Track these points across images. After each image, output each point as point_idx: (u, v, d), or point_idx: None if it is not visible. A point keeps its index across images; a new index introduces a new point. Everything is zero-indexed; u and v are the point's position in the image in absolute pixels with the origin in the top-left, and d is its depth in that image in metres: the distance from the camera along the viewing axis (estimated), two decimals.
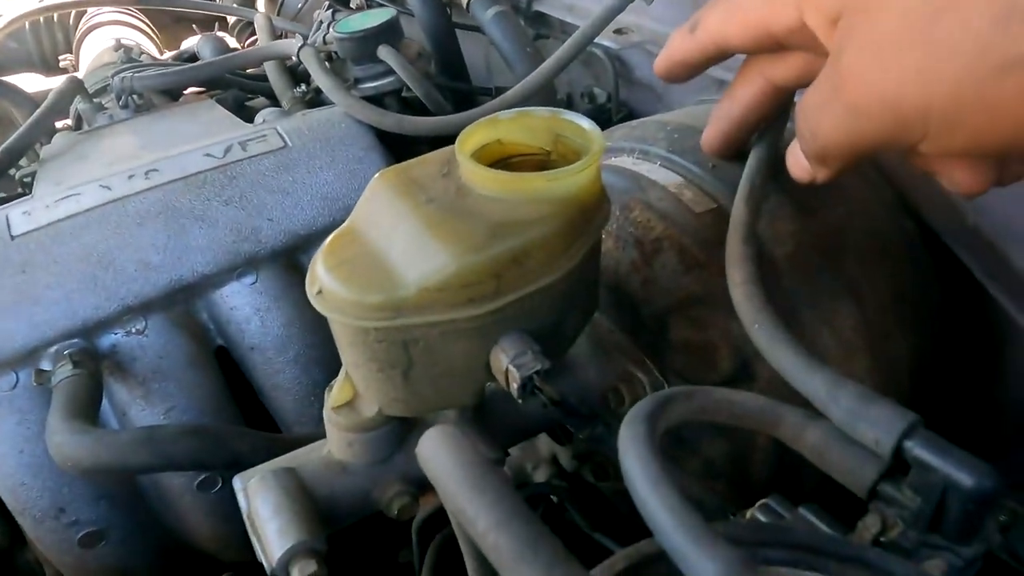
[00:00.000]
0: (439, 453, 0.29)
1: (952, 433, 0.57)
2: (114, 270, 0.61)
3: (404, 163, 0.47)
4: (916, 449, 0.30)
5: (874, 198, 0.53)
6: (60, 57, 1.40)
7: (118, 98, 0.81)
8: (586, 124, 0.46)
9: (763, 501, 0.40)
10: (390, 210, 0.43)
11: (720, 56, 0.43)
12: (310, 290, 0.43)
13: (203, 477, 0.67)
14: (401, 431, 0.48)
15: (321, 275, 0.42)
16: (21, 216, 0.64)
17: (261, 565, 0.45)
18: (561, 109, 0.48)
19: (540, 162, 0.48)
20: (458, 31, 1.01)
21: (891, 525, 0.31)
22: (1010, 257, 0.52)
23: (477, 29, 0.92)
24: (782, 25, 0.36)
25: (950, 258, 0.54)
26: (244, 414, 0.72)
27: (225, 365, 0.70)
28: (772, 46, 0.38)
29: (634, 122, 0.64)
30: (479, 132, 0.47)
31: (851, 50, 0.31)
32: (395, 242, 0.42)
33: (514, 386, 0.42)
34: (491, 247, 0.40)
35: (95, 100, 0.86)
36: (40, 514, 0.62)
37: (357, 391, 0.48)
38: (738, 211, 0.47)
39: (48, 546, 0.63)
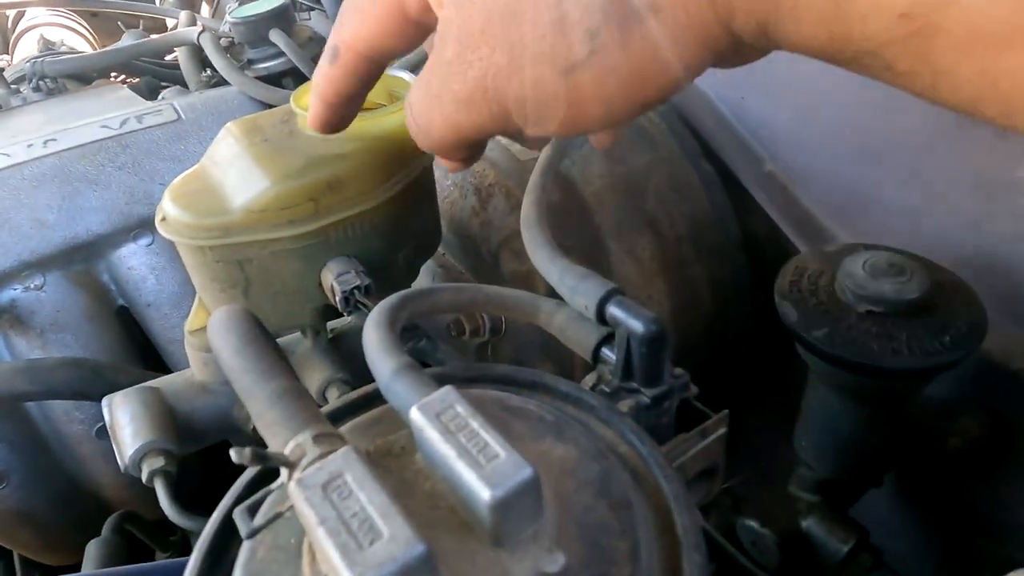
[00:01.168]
0: (216, 318, 0.35)
1: (756, 356, 0.64)
2: (10, 228, 0.67)
3: (255, 114, 0.54)
4: (611, 309, 0.37)
5: (678, 146, 0.61)
6: None
7: (29, 81, 0.87)
8: (407, 76, 0.53)
9: None
10: (231, 149, 0.49)
11: (374, 68, 0.39)
12: (157, 219, 0.49)
13: (101, 424, 0.72)
14: None
15: (166, 204, 0.48)
16: None
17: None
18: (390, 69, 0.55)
19: None
20: None
21: (604, 379, 0.38)
22: (798, 199, 0.60)
23: None
24: (413, 6, 0.34)
25: (749, 199, 0.62)
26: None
27: (136, 327, 0.76)
28: (409, 32, 0.36)
29: None
30: None
31: (451, 43, 0.29)
32: (229, 174, 0.48)
33: (338, 299, 0.48)
34: (307, 174, 0.46)
35: (12, 86, 0.92)
36: None
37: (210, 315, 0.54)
38: (544, 153, 0.54)
39: None
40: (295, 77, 0.87)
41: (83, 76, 0.93)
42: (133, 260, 0.73)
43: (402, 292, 0.38)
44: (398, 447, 0.28)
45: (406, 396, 0.27)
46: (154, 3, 1.59)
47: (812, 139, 0.60)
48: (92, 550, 0.67)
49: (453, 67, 0.29)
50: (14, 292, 0.69)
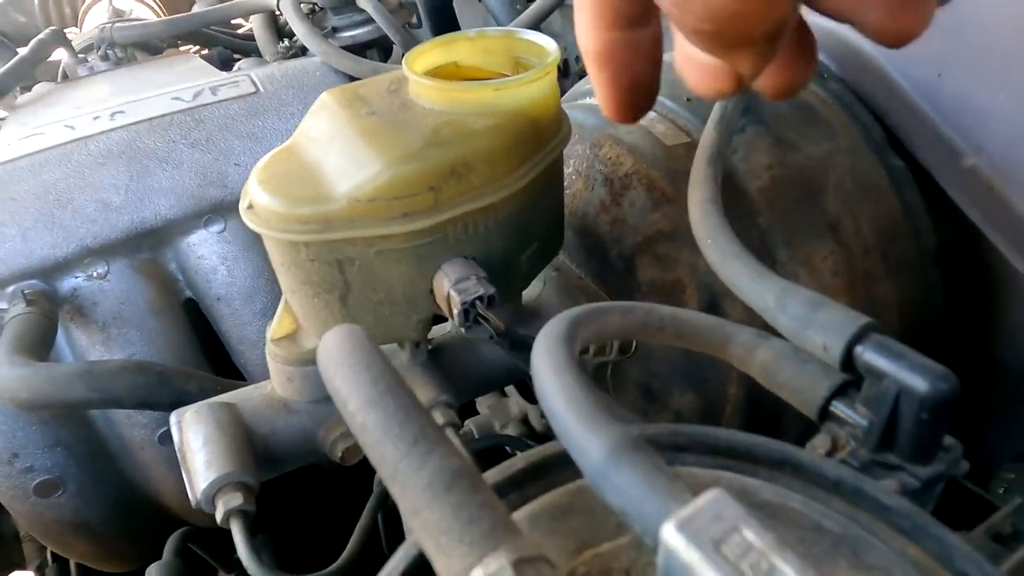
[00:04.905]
0: (333, 342, 0.26)
1: None
2: (73, 209, 0.60)
3: (355, 83, 0.45)
4: (867, 354, 0.26)
5: (862, 135, 0.50)
6: (67, 30, 1.41)
7: (97, 49, 0.81)
8: (543, 40, 0.43)
9: None
10: (330, 123, 0.41)
11: None
12: (242, 205, 0.40)
13: (165, 429, 0.65)
14: None
15: (252, 188, 0.39)
16: None
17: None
18: (518, 28, 0.45)
19: None
20: (458, 1, 0.99)
21: (841, 445, 0.28)
22: (1010, 200, 0.48)
23: None
24: None
25: (945, 200, 0.50)
26: (221, 371, 0.70)
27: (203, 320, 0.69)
28: None
29: None
30: (432, 51, 0.44)
31: None
32: (330, 154, 0.39)
33: (455, 311, 0.39)
34: (428, 156, 0.37)
35: (80, 56, 0.86)
36: None
37: (298, 322, 0.45)
38: (707, 134, 0.44)
39: (2, 493, 0.62)
40: (380, 48, 0.78)
41: (153, 46, 0.86)
42: (203, 248, 0.66)
43: (567, 318, 0.29)
44: (620, 569, 0.19)
45: (640, 496, 0.18)
46: None
47: None
48: (153, 575, 0.60)
49: None
50: (76, 280, 0.62)
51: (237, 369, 0.71)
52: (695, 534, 0.16)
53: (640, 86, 0.25)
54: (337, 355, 0.25)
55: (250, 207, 0.39)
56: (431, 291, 0.41)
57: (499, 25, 0.88)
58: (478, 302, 0.39)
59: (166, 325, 0.65)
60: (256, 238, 0.67)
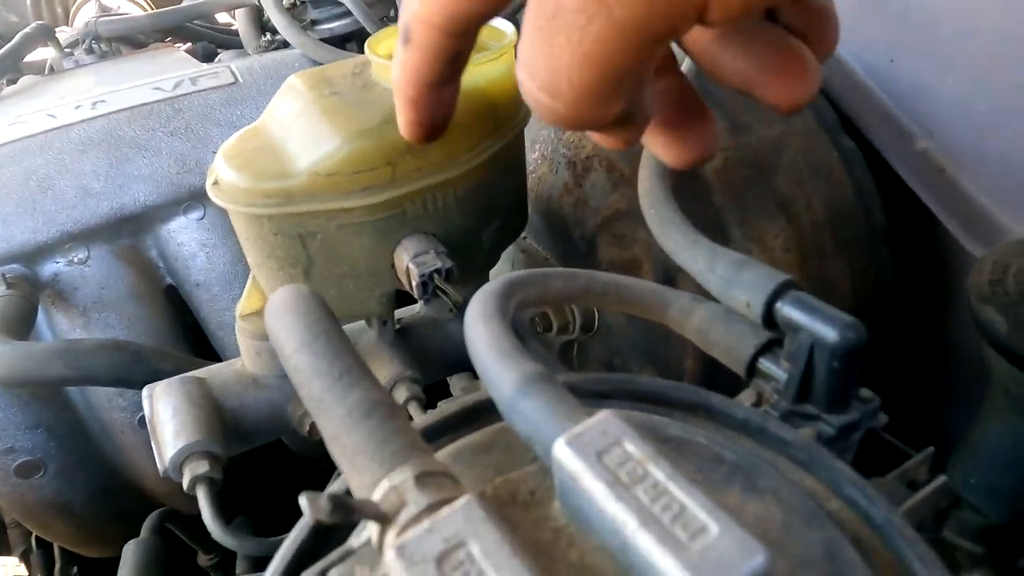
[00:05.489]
0: (278, 298, 0.28)
1: (897, 374, 0.55)
2: (53, 195, 0.61)
3: (323, 66, 0.46)
4: (785, 308, 0.28)
5: (814, 118, 0.51)
6: (58, 29, 1.42)
7: (83, 43, 0.82)
8: (500, 24, 0.44)
9: None
10: (295, 103, 0.42)
11: (459, 45, 0.29)
12: (208, 182, 0.42)
13: (143, 413, 0.66)
14: None
15: (218, 166, 0.41)
16: None
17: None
18: None
19: None
20: None
21: (766, 399, 0.30)
22: (960, 183, 0.50)
23: None
24: None
25: (897, 182, 0.52)
26: (200, 357, 0.72)
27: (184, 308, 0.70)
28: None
29: None
30: (394, 35, 0.46)
31: None
32: (293, 132, 0.41)
33: (414, 284, 0.41)
34: (385, 132, 0.38)
35: (66, 50, 0.87)
36: None
37: (265, 298, 0.47)
38: None
39: None
40: (360, 40, 0.80)
41: (138, 40, 0.88)
42: (183, 235, 0.67)
43: (507, 277, 0.30)
44: (525, 491, 0.20)
45: (541, 421, 0.19)
46: None
47: (983, 112, 0.49)
48: (130, 552, 0.61)
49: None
50: (57, 265, 0.63)
51: (217, 354, 0.72)
52: (581, 447, 0.17)
53: (438, 126, 0.32)
54: (280, 308, 0.26)
55: (215, 183, 0.41)
56: (392, 266, 0.43)
57: None
58: (436, 275, 0.40)
59: (146, 310, 0.66)
60: None
